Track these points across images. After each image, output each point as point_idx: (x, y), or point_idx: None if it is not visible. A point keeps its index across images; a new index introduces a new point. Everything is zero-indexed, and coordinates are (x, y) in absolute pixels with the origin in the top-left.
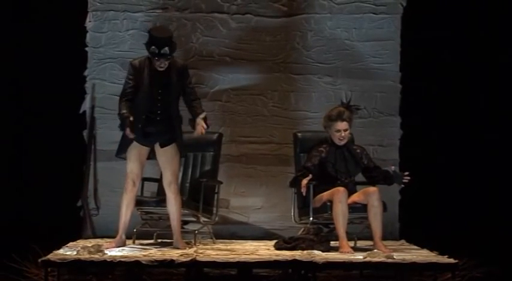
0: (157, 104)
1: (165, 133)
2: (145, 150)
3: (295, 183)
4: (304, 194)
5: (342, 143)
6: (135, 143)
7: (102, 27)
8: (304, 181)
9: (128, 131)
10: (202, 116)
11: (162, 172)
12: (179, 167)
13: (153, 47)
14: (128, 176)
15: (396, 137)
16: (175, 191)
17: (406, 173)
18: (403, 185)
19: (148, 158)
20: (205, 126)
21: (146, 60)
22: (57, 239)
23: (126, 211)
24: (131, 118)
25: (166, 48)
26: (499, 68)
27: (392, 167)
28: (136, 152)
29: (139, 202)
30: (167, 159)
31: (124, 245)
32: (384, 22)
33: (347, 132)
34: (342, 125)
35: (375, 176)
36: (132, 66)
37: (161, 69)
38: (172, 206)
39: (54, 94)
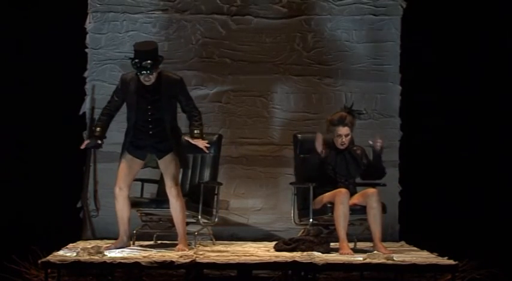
0: (148, 119)
1: (159, 145)
2: (138, 161)
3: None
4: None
5: (343, 147)
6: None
7: (102, 28)
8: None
9: (85, 142)
10: (195, 136)
11: (163, 177)
12: (179, 171)
13: (136, 60)
14: (116, 183)
15: (396, 139)
16: (176, 195)
17: (379, 139)
18: (378, 149)
19: (145, 166)
20: (204, 143)
21: (136, 74)
22: (57, 241)
23: (122, 215)
24: (99, 141)
25: (148, 62)
26: (499, 69)
27: (370, 142)
28: (128, 160)
29: (139, 204)
30: (165, 164)
31: (126, 246)
32: (383, 24)
33: (348, 137)
34: (343, 130)
35: (367, 171)
36: (121, 80)
37: (147, 83)
38: (174, 210)
39: (54, 95)
